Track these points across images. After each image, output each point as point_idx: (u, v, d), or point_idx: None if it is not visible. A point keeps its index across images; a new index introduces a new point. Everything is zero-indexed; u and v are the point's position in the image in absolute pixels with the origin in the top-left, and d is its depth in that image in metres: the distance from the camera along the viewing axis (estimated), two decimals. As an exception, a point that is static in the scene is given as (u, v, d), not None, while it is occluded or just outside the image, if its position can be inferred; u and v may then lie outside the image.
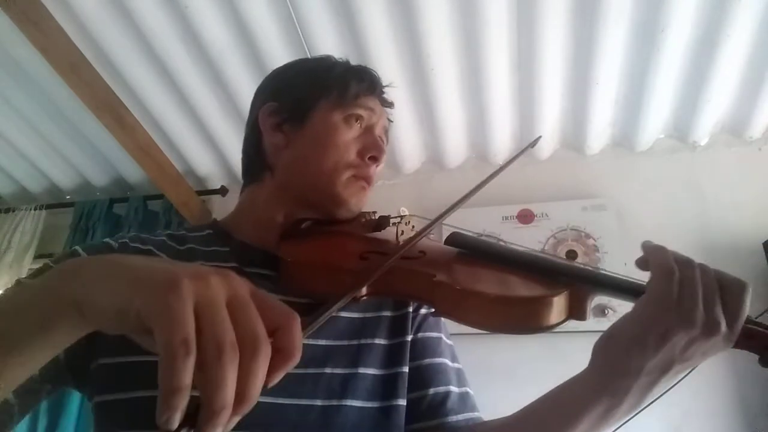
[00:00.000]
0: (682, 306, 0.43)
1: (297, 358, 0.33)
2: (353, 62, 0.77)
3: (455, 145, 1.95)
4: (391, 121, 0.79)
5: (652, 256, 0.48)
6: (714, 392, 1.53)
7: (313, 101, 0.70)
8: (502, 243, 0.65)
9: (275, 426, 0.54)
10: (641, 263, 0.50)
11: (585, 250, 1.76)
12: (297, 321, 0.33)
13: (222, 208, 2.12)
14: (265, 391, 0.54)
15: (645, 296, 0.46)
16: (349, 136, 0.69)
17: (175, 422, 0.28)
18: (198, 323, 0.30)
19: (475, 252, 0.63)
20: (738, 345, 0.46)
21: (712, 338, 0.44)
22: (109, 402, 0.54)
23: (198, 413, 0.29)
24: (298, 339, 0.33)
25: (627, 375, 0.46)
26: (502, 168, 0.71)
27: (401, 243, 0.63)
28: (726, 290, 0.44)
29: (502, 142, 1.91)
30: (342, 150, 0.68)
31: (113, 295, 0.33)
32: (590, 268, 0.54)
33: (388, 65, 1.58)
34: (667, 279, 0.45)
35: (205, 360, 0.29)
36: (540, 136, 0.76)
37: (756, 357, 0.47)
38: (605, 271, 0.54)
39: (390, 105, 0.78)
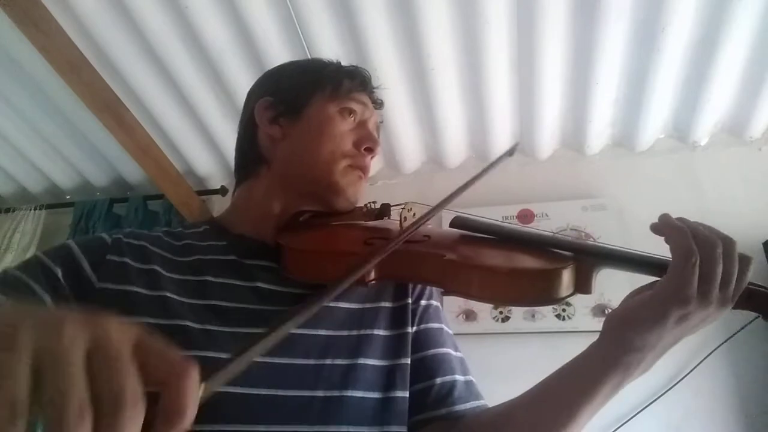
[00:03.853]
0: (702, 287, 0.46)
1: (184, 420, 0.27)
2: (353, 62, 0.79)
3: (455, 145, 1.95)
4: (381, 122, 0.81)
5: (673, 236, 0.49)
6: (714, 392, 1.53)
7: (308, 95, 0.72)
8: (504, 223, 0.67)
9: (277, 419, 0.54)
10: (656, 229, 0.52)
11: (585, 250, 1.76)
12: (189, 377, 0.28)
13: (222, 208, 2.11)
14: (266, 383, 0.54)
15: (666, 279, 0.48)
16: (344, 127, 0.72)
17: None
18: (40, 381, 0.25)
19: (479, 232, 0.65)
20: (738, 306, 0.49)
21: (720, 309, 0.47)
22: None
23: None
24: (187, 398, 0.27)
25: (642, 349, 0.48)
26: (487, 168, 0.72)
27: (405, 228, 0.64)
28: (741, 269, 0.47)
29: (502, 142, 1.90)
30: (338, 140, 0.70)
31: None
32: (593, 243, 0.56)
33: (388, 65, 1.58)
34: (687, 263, 0.46)
35: (49, 425, 0.24)
36: (517, 142, 0.79)
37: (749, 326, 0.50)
38: (607, 245, 0.57)
39: (380, 105, 0.80)
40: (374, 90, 0.79)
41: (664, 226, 0.50)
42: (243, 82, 1.70)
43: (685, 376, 1.52)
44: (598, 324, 1.60)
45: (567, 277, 0.53)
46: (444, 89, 1.68)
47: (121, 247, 0.62)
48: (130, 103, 1.79)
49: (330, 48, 1.55)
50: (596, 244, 0.56)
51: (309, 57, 1.57)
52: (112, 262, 0.60)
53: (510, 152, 0.77)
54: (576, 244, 0.57)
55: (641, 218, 1.74)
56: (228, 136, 1.95)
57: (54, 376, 0.25)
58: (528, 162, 1.96)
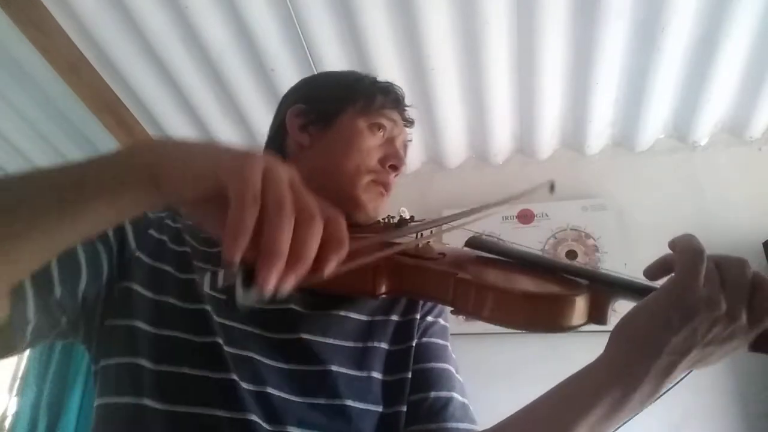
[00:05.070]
0: (709, 285, 0.44)
1: (346, 248, 0.38)
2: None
3: (455, 145, 1.95)
4: (410, 140, 0.81)
5: (678, 240, 0.48)
6: (714, 392, 1.53)
7: (340, 107, 0.73)
8: (521, 246, 0.66)
9: (280, 419, 0.54)
10: (663, 265, 0.49)
11: (585, 250, 1.76)
12: (342, 218, 0.39)
13: (222, 208, 2.12)
14: (272, 384, 0.56)
15: (673, 275, 0.47)
16: (372, 142, 0.72)
17: (237, 257, 0.34)
18: (264, 188, 0.35)
19: (495, 254, 0.64)
20: (757, 348, 0.46)
21: (731, 326, 0.44)
22: (130, 365, 0.54)
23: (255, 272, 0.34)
24: (346, 231, 0.39)
25: (648, 354, 0.46)
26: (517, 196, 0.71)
27: (420, 246, 0.64)
28: (757, 288, 0.45)
29: (502, 142, 1.91)
30: (365, 155, 0.71)
31: (193, 163, 0.39)
32: (611, 272, 0.54)
33: (388, 65, 1.58)
34: (695, 256, 0.45)
35: (267, 215, 0.35)
36: (553, 180, 0.78)
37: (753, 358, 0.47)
38: (626, 275, 0.54)
39: (411, 123, 0.80)
40: (406, 108, 0.79)
41: (671, 244, 0.49)
42: (243, 82, 1.70)
43: (685, 375, 1.52)
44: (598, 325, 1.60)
45: (580, 305, 0.51)
46: (444, 89, 1.68)
47: (162, 226, 0.64)
48: (130, 103, 1.79)
49: (330, 48, 1.55)
50: (615, 274, 0.53)
51: (309, 57, 1.57)
52: (152, 237, 0.62)
53: (550, 188, 0.76)
54: (593, 272, 0.55)
55: (641, 218, 1.77)
56: (228, 137, 1.95)
57: (276, 186, 0.36)
58: (528, 162, 1.96)
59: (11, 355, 0.49)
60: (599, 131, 1.83)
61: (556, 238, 1.81)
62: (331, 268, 0.37)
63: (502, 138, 1.89)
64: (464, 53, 1.57)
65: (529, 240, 1.79)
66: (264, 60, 1.61)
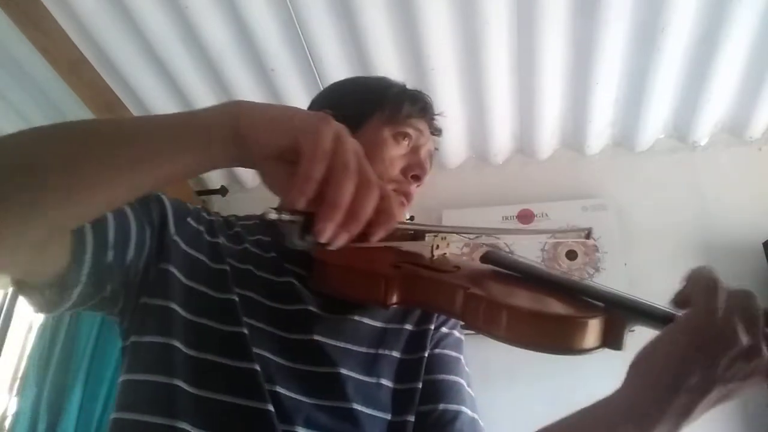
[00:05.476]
0: (726, 316, 0.42)
1: (395, 222, 0.45)
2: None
3: (455, 145, 1.95)
4: (437, 149, 0.81)
5: (693, 272, 0.46)
6: (714, 392, 1.53)
7: (366, 114, 0.73)
8: (538, 264, 0.65)
9: (289, 418, 0.55)
10: (680, 297, 0.47)
11: (585, 250, 1.76)
12: (394, 197, 0.44)
13: (222, 208, 2.12)
14: (282, 384, 0.56)
15: (690, 308, 0.45)
16: (395, 152, 0.72)
17: (302, 203, 0.39)
18: (333, 149, 0.40)
19: (511, 270, 0.63)
20: None
21: (753, 362, 0.42)
22: (162, 344, 0.55)
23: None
24: (396, 208, 0.45)
25: (665, 391, 0.43)
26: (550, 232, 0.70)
27: (436, 257, 0.64)
28: None
29: (502, 142, 1.91)
30: (387, 164, 0.71)
31: (271, 121, 0.43)
32: (630, 296, 0.53)
33: (388, 65, 1.58)
34: (709, 288, 0.44)
35: (334, 172, 0.39)
36: (591, 228, 0.77)
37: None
38: (645, 300, 0.51)
39: (438, 132, 0.80)
40: (435, 117, 0.79)
41: (685, 276, 0.47)
42: (243, 82, 1.70)
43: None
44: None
45: (594, 328, 0.49)
46: (444, 89, 1.68)
47: (200, 217, 0.66)
48: (130, 103, 1.79)
49: (330, 48, 1.55)
50: (634, 298, 0.51)
51: (309, 57, 1.57)
52: (190, 226, 0.64)
53: (586, 235, 0.76)
54: (611, 295, 0.53)
55: (641, 218, 1.77)
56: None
57: (344, 151, 0.41)
58: (528, 162, 1.96)
59: (50, 312, 0.50)
60: (599, 131, 1.83)
61: (556, 238, 1.81)
62: (378, 236, 0.43)
63: (502, 138, 1.89)
64: (464, 53, 1.57)
65: (529, 240, 1.79)
66: (264, 60, 1.61)
